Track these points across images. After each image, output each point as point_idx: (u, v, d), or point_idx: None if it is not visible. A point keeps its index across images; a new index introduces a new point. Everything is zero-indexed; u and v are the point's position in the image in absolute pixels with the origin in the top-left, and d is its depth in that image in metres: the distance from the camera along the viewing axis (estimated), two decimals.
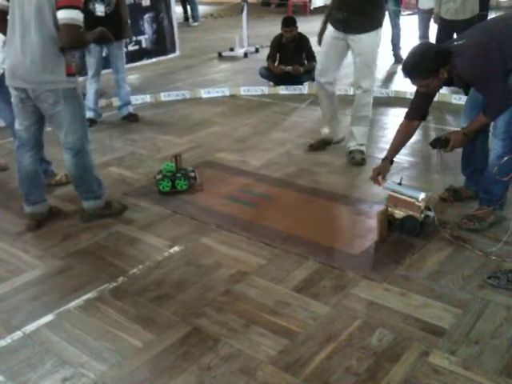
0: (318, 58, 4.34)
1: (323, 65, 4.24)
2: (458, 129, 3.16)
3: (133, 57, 7.39)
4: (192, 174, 3.83)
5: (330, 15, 4.13)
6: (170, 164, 3.77)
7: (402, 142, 3.34)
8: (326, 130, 4.50)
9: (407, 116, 3.28)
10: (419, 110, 3.24)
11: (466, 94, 3.30)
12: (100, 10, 4.95)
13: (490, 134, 3.29)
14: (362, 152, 4.24)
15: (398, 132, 3.33)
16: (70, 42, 2.98)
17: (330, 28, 4.12)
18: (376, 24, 4.03)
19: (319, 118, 4.83)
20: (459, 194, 3.48)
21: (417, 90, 3.14)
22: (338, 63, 4.22)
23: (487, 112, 2.96)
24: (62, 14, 2.90)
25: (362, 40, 3.99)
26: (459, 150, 3.35)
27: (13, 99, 3.18)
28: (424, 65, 2.89)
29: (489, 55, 2.84)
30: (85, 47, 3.38)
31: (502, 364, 2.16)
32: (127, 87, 5.45)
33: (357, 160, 4.17)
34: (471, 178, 3.45)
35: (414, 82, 3.01)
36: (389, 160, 3.32)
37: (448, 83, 3.06)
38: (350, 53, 4.18)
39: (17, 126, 3.26)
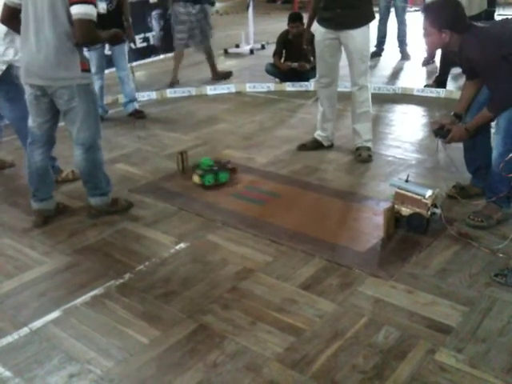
0: (317, 63, 4.31)
1: (322, 69, 4.23)
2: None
3: (141, 54, 7.40)
4: (229, 166, 3.91)
5: (318, 17, 4.10)
6: (208, 158, 3.88)
7: (468, 97, 3.27)
8: (319, 132, 4.47)
9: (466, 77, 3.27)
10: (465, 72, 3.25)
11: (468, 78, 3.28)
12: (102, 7, 4.96)
13: (491, 130, 3.29)
14: (368, 148, 4.23)
15: (463, 89, 3.31)
16: (84, 37, 2.98)
17: (320, 30, 4.10)
18: (367, 17, 4.05)
19: None
20: (466, 191, 3.46)
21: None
22: (335, 63, 4.21)
23: (491, 106, 2.97)
24: (76, 10, 2.91)
25: (355, 35, 3.98)
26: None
27: (27, 96, 3.20)
28: (437, 13, 2.99)
29: (503, 47, 2.85)
30: (98, 44, 3.39)
31: (510, 362, 2.15)
32: (131, 84, 5.46)
33: (363, 157, 4.16)
34: (477, 176, 3.44)
35: (423, 20, 3.06)
36: (456, 116, 3.27)
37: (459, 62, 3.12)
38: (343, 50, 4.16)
39: (30, 122, 3.27)
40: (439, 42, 3.03)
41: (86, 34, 2.97)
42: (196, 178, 3.79)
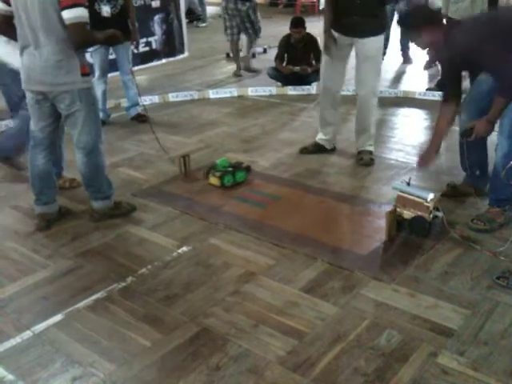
0: (323, 66, 4.24)
1: (330, 73, 4.19)
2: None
3: (143, 58, 7.42)
4: (243, 165, 3.97)
5: (335, 22, 4.05)
6: (223, 160, 3.93)
7: (445, 126, 3.28)
8: (320, 136, 4.45)
9: (444, 99, 3.28)
10: (451, 91, 3.25)
11: (449, 96, 3.27)
12: (106, 10, 4.97)
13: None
14: (370, 152, 4.23)
15: (440, 118, 3.30)
16: (80, 41, 2.99)
17: (335, 35, 4.06)
18: (383, 26, 4.07)
19: None
20: (457, 190, 3.50)
21: (443, 74, 3.28)
22: (344, 69, 4.21)
23: (501, 91, 2.95)
24: (67, 14, 2.91)
25: (371, 43, 3.98)
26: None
27: (28, 101, 3.21)
28: (410, 17, 3.13)
29: (484, 30, 2.94)
30: (95, 44, 3.38)
31: None
32: (135, 88, 5.46)
33: (365, 161, 4.16)
34: (470, 173, 3.47)
35: (404, 30, 3.36)
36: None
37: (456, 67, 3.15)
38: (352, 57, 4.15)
39: (32, 126, 3.28)
40: (427, 41, 3.08)
41: (81, 38, 2.98)
42: (214, 180, 3.82)
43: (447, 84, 3.29)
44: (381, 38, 4.04)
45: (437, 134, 3.29)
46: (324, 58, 4.22)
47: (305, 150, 4.46)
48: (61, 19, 2.94)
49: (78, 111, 3.12)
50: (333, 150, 4.47)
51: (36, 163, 3.31)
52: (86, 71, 3.13)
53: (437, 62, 3.51)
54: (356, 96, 4.26)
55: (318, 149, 4.45)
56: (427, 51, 3.28)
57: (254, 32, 7.34)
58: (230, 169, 3.86)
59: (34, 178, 3.35)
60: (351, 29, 3.98)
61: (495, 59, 2.89)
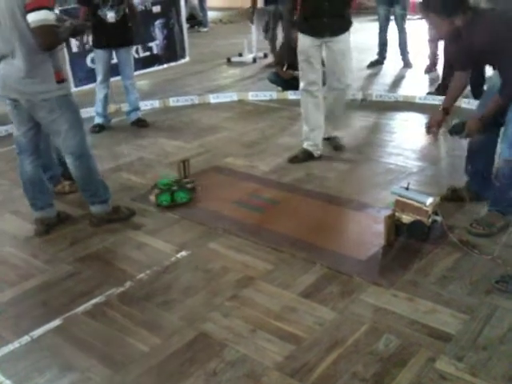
0: (303, 69, 4.27)
1: (310, 75, 4.23)
2: None
3: (144, 63, 7.43)
4: (189, 186, 3.74)
5: (302, 25, 4.16)
6: (168, 179, 3.75)
7: (457, 88, 3.26)
8: (308, 142, 4.42)
9: (454, 68, 3.25)
10: (461, 62, 3.20)
11: (460, 68, 3.22)
12: (111, 16, 5.01)
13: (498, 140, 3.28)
14: (338, 137, 4.55)
15: (453, 81, 3.28)
16: (47, 43, 2.96)
17: (305, 38, 4.14)
18: (349, 23, 4.22)
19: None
20: (457, 194, 3.48)
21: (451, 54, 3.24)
22: (320, 68, 4.29)
23: (503, 93, 2.92)
24: (32, 18, 2.89)
25: (340, 41, 4.15)
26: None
27: (7, 107, 3.21)
28: (443, 2, 2.88)
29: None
30: (62, 43, 3.35)
31: (511, 370, 2.14)
32: (136, 93, 5.49)
33: (338, 145, 4.49)
34: (473, 179, 3.45)
35: (428, 16, 2.97)
36: (445, 110, 3.25)
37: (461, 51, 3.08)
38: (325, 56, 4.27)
39: (15, 132, 3.29)
40: (450, 30, 2.95)
41: (48, 39, 2.96)
42: (152, 198, 3.68)
43: (455, 62, 3.24)
44: (348, 34, 4.20)
45: (450, 93, 3.25)
46: (303, 62, 4.24)
47: (295, 159, 4.38)
48: (29, 25, 2.93)
49: (59, 118, 3.11)
50: (320, 157, 4.41)
51: (25, 169, 3.32)
52: (61, 77, 3.11)
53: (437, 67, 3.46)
54: (329, 92, 4.40)
55: (307, 156, 4.39)
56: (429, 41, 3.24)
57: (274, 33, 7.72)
58: (175, 187, 3.66)
59: (25, 184, 3.36)
60: (322, 30, 4.09)
61: (507, 60, 2.87)
